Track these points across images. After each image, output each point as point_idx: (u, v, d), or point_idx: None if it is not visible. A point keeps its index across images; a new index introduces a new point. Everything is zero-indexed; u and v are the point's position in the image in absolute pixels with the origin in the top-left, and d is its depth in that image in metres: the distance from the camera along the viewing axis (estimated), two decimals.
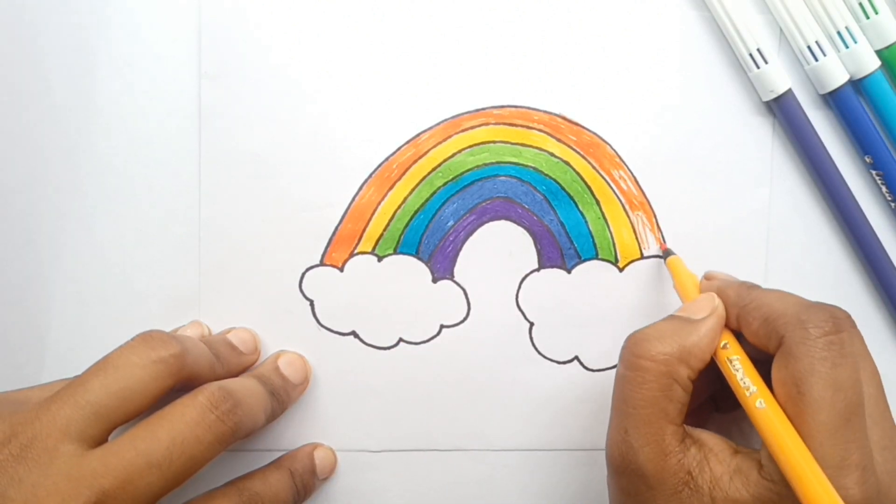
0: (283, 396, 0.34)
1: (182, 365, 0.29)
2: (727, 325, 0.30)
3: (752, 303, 0.30)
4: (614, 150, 0.36)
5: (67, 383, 0.28)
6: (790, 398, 0.27)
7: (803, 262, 0.36)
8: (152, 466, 0.27)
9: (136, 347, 0.29)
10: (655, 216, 0.36)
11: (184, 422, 0.28)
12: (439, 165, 0.35)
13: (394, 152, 0.35)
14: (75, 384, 0.28)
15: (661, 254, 0.36)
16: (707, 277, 0.33)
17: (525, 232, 0.36)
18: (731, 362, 0.29)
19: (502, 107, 0.35)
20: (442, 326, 0.36)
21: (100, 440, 0.27)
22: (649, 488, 0.28)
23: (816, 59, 0.35)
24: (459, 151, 0.35)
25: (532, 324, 0.36)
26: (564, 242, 0.36)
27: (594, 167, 0.36)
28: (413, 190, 0.35)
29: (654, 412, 0.28)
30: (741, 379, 0.29)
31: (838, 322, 0.28)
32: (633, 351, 0.29)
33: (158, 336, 0.29)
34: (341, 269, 0.36)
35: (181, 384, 0.29)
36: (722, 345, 0.30)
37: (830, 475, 0.26)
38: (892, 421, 0.29)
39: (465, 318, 0.36)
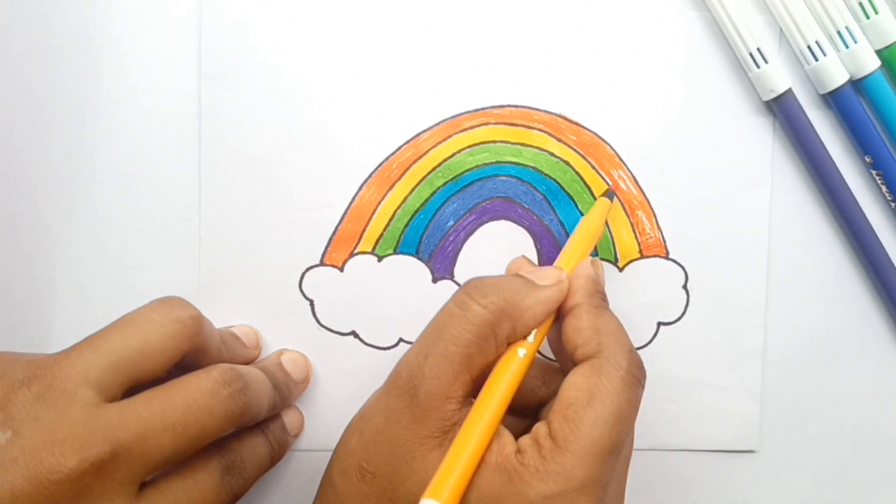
0: (285, 391, 0.34)
1: (199, 328, 0.29)
2: (561, 310, 0.30)
3: (595, 308, 0.30)
4: (614, 150, 0.36)
5: (86, 337, 0.28)
6: (574, 403, 0.27)
7: (803, 262, 0.36)
8: (167, 429, 0.27)
9: (155, 307, 0.29)
10: (655, 216, 0.36)
11: (198, 391, 0.28)
12: (439, 165, 0.35)
13: (394, 152, 0.35)
14: (95, 336, 0.28)
15: (607, 190, 0.35)
16: (592, 264, 0.32)
17: (525, 232, 0.36)
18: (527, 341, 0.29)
19: (502, 107, 0.35)
20: None
21: (116, 395, 0.28)
22: (413, 419, 0.27)
23: (816, 59, 0.35)
24: (459, 151, 0.35)
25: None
26: (564, 242, 0.36)
27: (594, 167, 0.36)
28: (413, 190, 0.35)
29: (459, 353, 0.28)
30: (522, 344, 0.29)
31: (645, 378, 0.29)
32: (467, 291, 0.29)
33: (177, 299, 0.30)
34: (341, 269, 0.36)
35: (193, 353, 0.30)
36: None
37: (565, 492, 0.26)
38: (625, 485, 0.30)
39: None
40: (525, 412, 0.32)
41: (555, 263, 0.32)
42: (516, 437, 0.28)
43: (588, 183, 0.36)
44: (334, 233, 0.36)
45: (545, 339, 0.31)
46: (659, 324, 0.36)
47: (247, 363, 0.34)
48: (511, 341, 0.29)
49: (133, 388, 0.28)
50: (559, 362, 0.33)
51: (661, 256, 0.36)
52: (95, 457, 0.26)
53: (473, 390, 0.28)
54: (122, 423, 0.27)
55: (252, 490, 0.34)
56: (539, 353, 0.31)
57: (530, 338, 0.29)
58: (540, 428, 0.28)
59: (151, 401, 0.28)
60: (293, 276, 0.36)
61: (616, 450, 0.27)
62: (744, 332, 0.36)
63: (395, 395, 0.28)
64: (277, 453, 0.33)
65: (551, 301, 0.30)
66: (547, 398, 0.32)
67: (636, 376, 0.28)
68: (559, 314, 0.31)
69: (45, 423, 0.26)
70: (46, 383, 0.27)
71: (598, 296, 0.31)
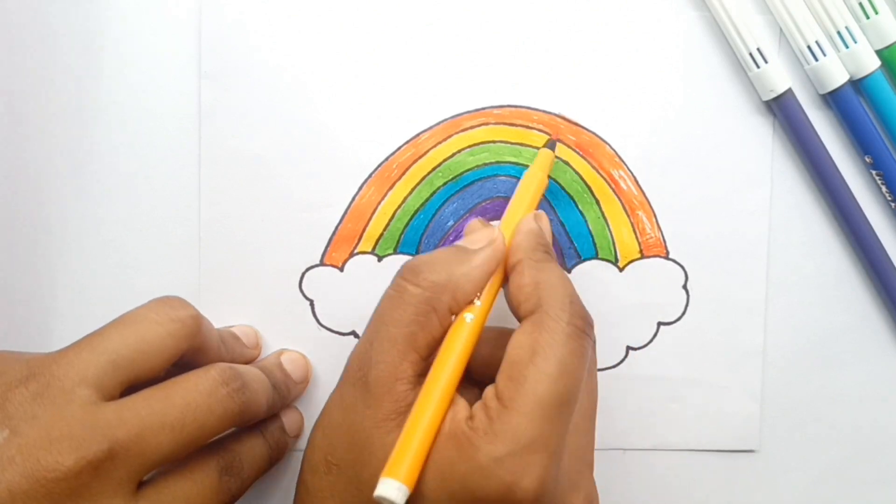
0: (285, 391, 0.34)
1: (198, 328, 0.29)
2: (506, 269, 0.30)
3: (536, 262, 0.30)
4: (614, 150, 0.36)
5: (85, 336, 0.28)
6: (518, 361, 0.27)
7: (803, 261, 0.36)
8: (165, 427, 0.27)
9: (154, 307, 0.29)
10: (655, 216, 0.36)
11: (197, 390, 0.28)
12: (439, 165, 0.35)
13: (394, 152, 0.35)
14: (93, 335, 0.28)
15: (548, 141, 0.35)
16: (536, 217, 0.32)
17: None
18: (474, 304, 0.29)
19: (502, 107, 0.35)
20: None
21: (114, 394, 0.28)
22: (367, 406, 0.27)
23: (816, 59, 0.35)
24: (459, 151, 0.35)
25: None
26: (564, 242, 0.36)
27: (594, 167, 0.36)
28: (413, 190, 0.35)
29: (402, 333, 0.28)
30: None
31: (592, 327, 0.29)
32: (403, 273, 0.29)
33: (176, 299, 0.30)
34: (341, 269, 0.36)
35: (192, 353, 0.30)
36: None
37: (515, 451, 0.26)
38: (593, 440, 0.29)
39: None
40: (488, 382, 0.32)
41: (499, 222, 0.31)
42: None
43: (588, 183, 0.36)
44: (334, 233, 0.36)
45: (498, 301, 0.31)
46: (659, 324, 0.36)
47: (246, 363, 0.34)
48: (456, 311, 0.29)
49: (132, 387, 0.28)
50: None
51: (661, 256, 0.36)
52: (93, 455, 0.26)
53: (425, 369, 0.28)
54: (120, 421, 0.27)
55: (252, 490, 0.34)
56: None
57: (477, 301, 0.29)
58: (488, 391, 0.28)
59: (150, 399, 0.28)
60: (293, 276, 0.36)
61: (565, 403, 0.27)
62: (744, 332, 0.36)
63: (349, 385, 0.28)
64: (276, 454, 0.33)
65: (487, 263, 0.29)
66: None
67: (578, 326, 0.28)
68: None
69: (42, 421, 0.26)
70: (44, 382, 0.27)
71: (541, 249, 0.30)
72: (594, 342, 0.29)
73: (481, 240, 0.30)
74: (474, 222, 0.32)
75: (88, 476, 0.26)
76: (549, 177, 0.35)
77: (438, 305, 0.28)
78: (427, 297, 0.28)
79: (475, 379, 0.30)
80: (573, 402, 0.27)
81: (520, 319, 0.29)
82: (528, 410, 0.26)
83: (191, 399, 0.28)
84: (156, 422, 0.27)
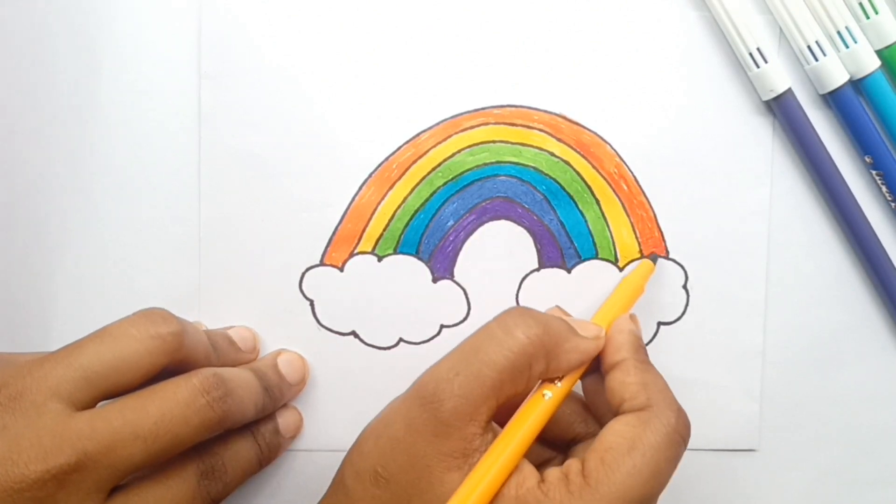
0: (277, 394, 0.33)
1: (179, 345, 0.29)
2: (602, 364, 0.31)
3: (641, 363, 0.30)
4: (614, 150, 0.36)
5: (64, 346, 0.28)
6: (615, 448, 0.27)
7: (803, 262, 0.36)
8: (137, 438, 0.27)
9: (136, 321, 0.29)
10: (655, 216, 0.36)
11: (175, 400, 0.28)
12: (439, 165, 0.35)
13: (394, 152, 0.35)
14: (71, 347, 0.28)
15: (652, 257, 0.36)
16: (631, 319, 0.33)
17: (525, 232, 0.36)
18: (555, 384, 0.30)
19: (502, 106, 0.35)
20: (442, 326, 0.36)
21: (87, 406, 0.27)
22: (435, 435, 0.27)
23: (816, 59, 0.35)
24: (459, 151, 0.35)
25: None
26: (564, 242, 0.36)
27: (594, 167, 0.36)
28: (413, 190, 0.35)
29: (493, 378, 0.28)
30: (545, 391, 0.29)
31: (688, 436, 0.29)
32: (513, 316, 0.29)
33: (160, 313, 0.29)
34: (341, 269, 0.36)
35: (175, 366, 0.29)
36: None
37: None
38: None
39: (465, 318, 0.36)
40: (553, 445, 0.32)
41: (592, 318, 0.32)
42: (537, 467, 0.28)
43: (588, 183, 0.36)
44: (334, 233, 0.36)
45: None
46: (659, 324, 0.36)
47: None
48: (539, 378, 0.29)
49: (109, 398, 0.28)
50: (595, 416, 0.33)
51: (661, 256, 0.36)
52: (58, 466, 0.26)
53: (495, 419, 0.28)
54: (91, 432, 0.26)
55: (252, 490, 0.34)
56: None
57: (559, 383, 0.30)
58: (573, 464, 0.28)
59: (124, 409, 0.27)
60: (293, 276, 0.36)
61: (646, 503, 0.27)
62: (743, 332, 0.36)
63: (419, 405, 0.28)
64: (266, 456, 0.33)
65: (588, 352, 0.30)
66: (582, 436, 0.32)
67: (682, 435, 0.29)
68: (590, 368, 0.31)
69: (12, 432, 0.26)
70: (15, 394, 0.27)
71: (643, 351, 0.31)
72: (685, 450, 0.29)
73: (590, 330, 0.31)
74: (555, 310, 0.34)
75: (54, 486, 0.26)
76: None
77: (535, 365, 0.28)
78: (529, 351, 0.28)
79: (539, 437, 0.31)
80: (653, 503, 0.28)
81: (616, 414, 0.29)
82: (611, 498, 0.26)
83: (166, 409, 0.28)
84: (128, 433, 0.27)
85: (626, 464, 0.27)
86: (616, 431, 0.28)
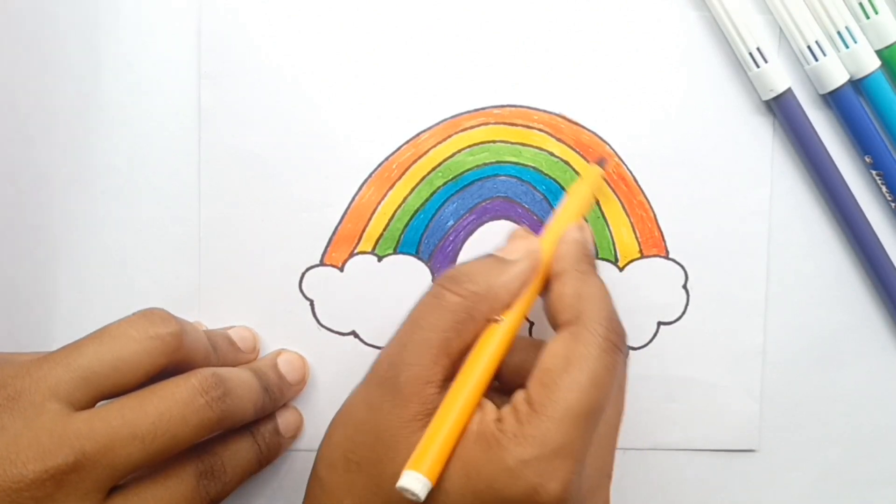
0: (277, 394, 0.33)
1: (178, 345, 0.29)
2: (548, 276, 0.30)
3: (580, 273, 0.30)
4: (614, 150, 0.36)
5: (63, 347, 0.28)
6: (551, 369, 0.27)
7: (803, 261, 0.36)
8: (135, 438, 0.27)
9: (135, 322, 0.29)
10: (655, 216, 0.36)
11: (173, 400, 0.28)
12: (439, 165, 0.35)
13: (394, 152, 0.35)
14: (70, 348, 0.28)
15: (598, 162, 0.35)
16: (580, 228, 0.32)
17: None
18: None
19: (502, 106, 0.35)
20: None
21: (86, 406, 0.28)
22: (394, 406, 0.27)
23: (816, 59, 0.35)
24: (459, 151, 0.35)
25: (532, 323, 0.36)
26: None
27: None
28: (413, 190, 0.36)
29: (437, 338, 0.28)
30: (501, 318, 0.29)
31: (625, 343, 0.29)
32: (442, 282, 0.29)
33: (159, 313, 0.29)
34: (341, 269, 0.36)
35: (174, 366, 0.29)
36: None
37: (542, 455, 0.26)
38: (613, 453, 0.30)
39: None
40: (516, 390, 0.32)
41: (542, 231, 0.32)
42: None
43: None
44: (334, 233, 0.36)
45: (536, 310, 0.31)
46: (659, 324, 0.36)
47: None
48: (493, 318, 0.29)
49: (107, 398, 0.28)
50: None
51: (661, 256, 0.36)
52: (56, 466, 0.26)
53: (454, 374, 0.28)
54: (89, 432, 0.27)
55: (252, 490, 0.34)
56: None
57: (510, 311, 0.29)
58: (518, 395, 0.28)
59: (123, 409, 0.27)
60: (293, 276, 0.36)
61: (593, 414, 0.27)
62: (743, 332, 0.36)
63: (376, 384, 0.28)
64: (266, 456, 0.33)
65: (524, 273, 0.30)
66: None
67: (613, 342, 0.28)
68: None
69: (10, 432, 0.26)
70: (14, 394, 0.27)
71: (585, 260, 0.31)
72: (626, 357, 0.29)
73: (520, 250, 0.30)
74: (518, 230, 0.32)
75: (52, 486, 0.26)
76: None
77: (476, 314, 0.29)
78: (466, 305, 0.28)
79: (504, 386, 0.31)
80: (600, 413, 0.28)
81: (556, 328, 0.29)
82: (558, 417, 0.26)
83: (164, 409, 0.28)
84: (126, 433, 0.27)
85: (565, 381, 0.27)
86: (552, 352, 0.28)
